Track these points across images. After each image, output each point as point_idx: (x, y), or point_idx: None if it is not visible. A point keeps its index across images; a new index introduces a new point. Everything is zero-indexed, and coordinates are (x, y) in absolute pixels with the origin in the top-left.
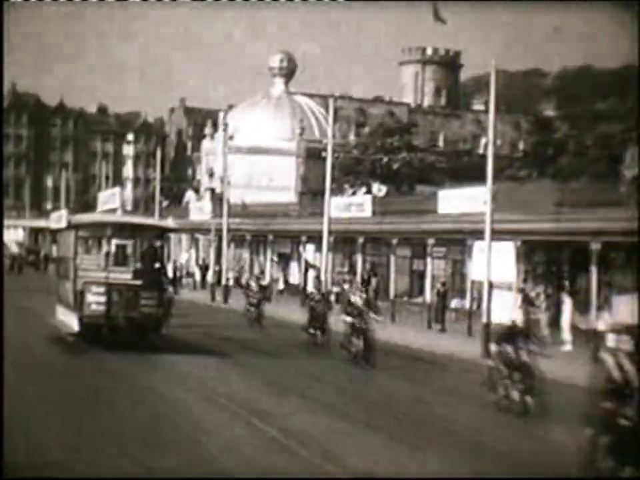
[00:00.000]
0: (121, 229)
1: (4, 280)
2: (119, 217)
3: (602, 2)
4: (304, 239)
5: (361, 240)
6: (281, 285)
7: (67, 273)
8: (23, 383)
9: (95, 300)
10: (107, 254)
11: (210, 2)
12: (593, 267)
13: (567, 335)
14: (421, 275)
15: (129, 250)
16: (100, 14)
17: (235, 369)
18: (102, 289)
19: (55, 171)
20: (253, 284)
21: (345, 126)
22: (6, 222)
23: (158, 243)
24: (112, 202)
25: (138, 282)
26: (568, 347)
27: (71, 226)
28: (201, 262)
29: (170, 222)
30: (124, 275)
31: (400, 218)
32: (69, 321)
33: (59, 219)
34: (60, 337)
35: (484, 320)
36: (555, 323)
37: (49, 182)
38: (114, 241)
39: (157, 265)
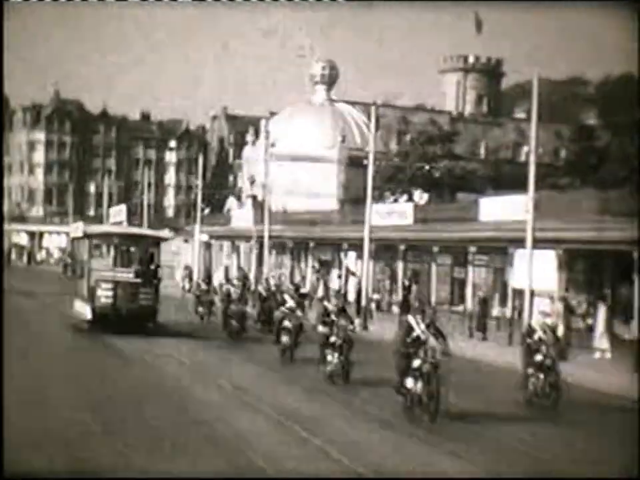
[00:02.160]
0: (125, 238)
1: (4, 279)
2: (123, 228)
3: None
4: (345, 246)
5: (402, 247)
6: (320, 292)
7: (82, 273)
8: (46, 355)
9: (104, 294)
10: (114, 257)
11: (237, 3)
12: (635, 276)
13: (602, 343)
14: (462, 283)
15: (131, 254)
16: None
17: None
18: (110, 286)
19: (98, 177)
20: (540, 333)
21: (387, 134)
22: (49, 228)
23: (154, 250)
24: (120, 216)
25: (138, 280)
26: (607, 355)
27: (85, 235)
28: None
29: (164, 233)
30: (127, 275)
31: (441, 226)
32: (84, 310)
33: (76, 229)
34: (76, 323)
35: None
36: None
37: (92, 188)
38: (119, 248)
39: (153, 267)
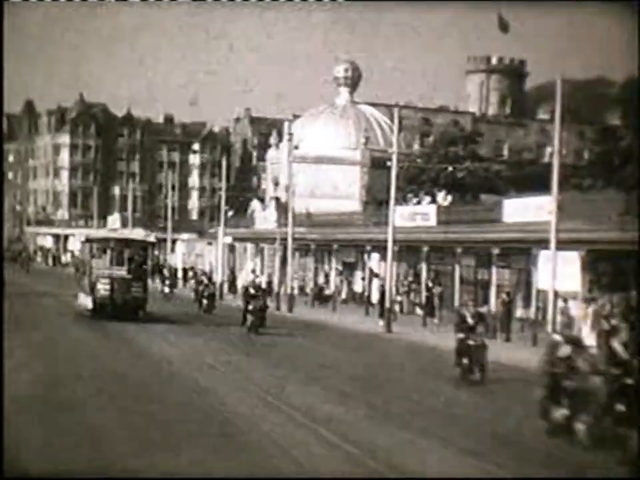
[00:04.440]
0: (119, 242)
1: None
2: (118, 234)
3: None
4: (368, 248)
5: (425, 249)
6: (344, 294)
7: (85, 270)
8: (59, 336)
9: (103, 288)
10: (111, 258)
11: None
12: None
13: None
14: (486, 284)
15: (125, 255)
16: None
17: None
18: (107, 281)
19: (122, 180)
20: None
21: (410, 135)
22: (74, 231)
23: (144, 251)
24: (115, 224)
25: (130, 276)
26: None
27: (87, 240)
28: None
29: (151, 237)
30: (121, 272)
31: (464, 227)
32: (86, 301)
33: (80, 234)
34: (80, 312)
35: (549, 329)
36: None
37: (116, 191)
38: (115, 250)
39: (144, 266)
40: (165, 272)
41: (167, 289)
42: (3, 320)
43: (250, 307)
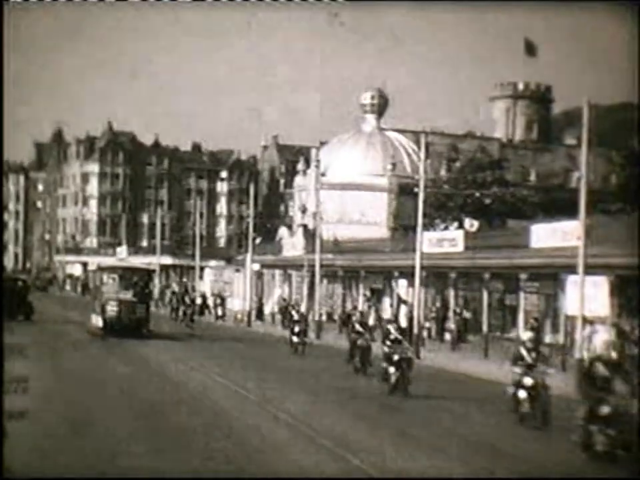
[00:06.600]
0: (125, 270)
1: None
2: (125, 263)
3: None
4: (396, 274)
5: (453, 275)
6: (371, 321)
7: (96, 294)
8: (76, 348)
9: (112, 309)
10: (118, 283)
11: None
12: None
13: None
14: (514, 310)
15: (130, 281)
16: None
17: None
18: (115, 303)
19: (151, 208)
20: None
21: (437, 161)
22: (102, 259)
23: (147, 278)
24: (122, 254)
25: (135, 299)
26: None
27: (98, 268)
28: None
29: (152, 266)
30: (127, 295)
31: (492, 253)
32: (97, 321)
33: (92, 264)
34: (93, 330)
35: (577, 355)
36: None
37: (145, 219)
38: (122, 277)
39: (147, 290)
40: (295, 314)
41: (295, 338)
42: (3, 322)
43: (396, 357)
